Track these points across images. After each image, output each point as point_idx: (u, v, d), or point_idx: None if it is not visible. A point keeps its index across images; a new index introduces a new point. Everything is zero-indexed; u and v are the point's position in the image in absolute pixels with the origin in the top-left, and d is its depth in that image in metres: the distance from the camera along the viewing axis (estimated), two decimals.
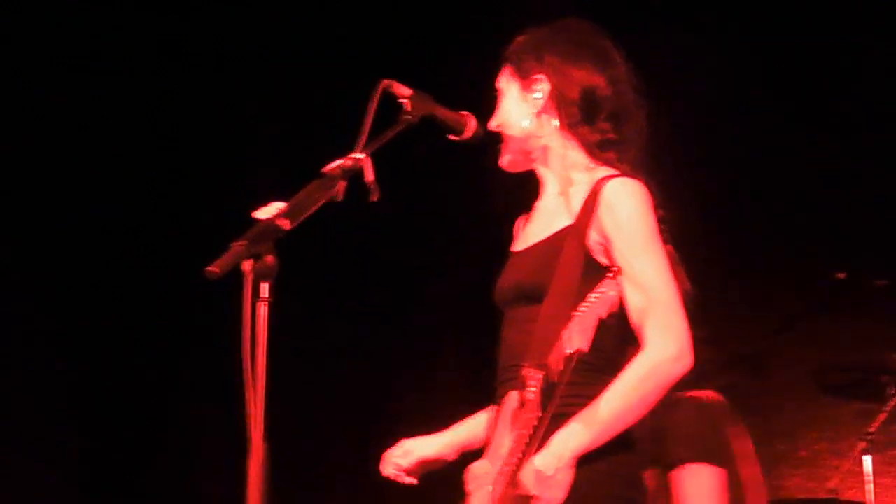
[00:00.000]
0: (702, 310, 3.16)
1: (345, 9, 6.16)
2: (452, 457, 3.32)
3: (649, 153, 3.14)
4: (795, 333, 5.10)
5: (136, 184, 6.23)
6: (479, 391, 3.22)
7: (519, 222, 3.37)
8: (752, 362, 5.08)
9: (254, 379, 2.54)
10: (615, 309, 2.47)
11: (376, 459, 6.26)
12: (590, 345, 2.51)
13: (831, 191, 5.54)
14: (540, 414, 2.64)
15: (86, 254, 6.16)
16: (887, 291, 5.09)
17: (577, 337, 2.53)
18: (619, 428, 2.84)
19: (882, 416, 4.87)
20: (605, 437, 2.83)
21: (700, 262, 3.17)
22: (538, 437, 2.69)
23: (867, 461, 4.85)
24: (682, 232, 3.10)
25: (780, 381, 5.33)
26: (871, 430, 4.87)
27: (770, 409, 5.29)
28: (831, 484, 5.02)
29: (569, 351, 2.56)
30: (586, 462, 2.82)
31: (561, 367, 2.58)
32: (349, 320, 6.20)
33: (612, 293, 2.47)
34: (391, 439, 5.81)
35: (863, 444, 4.88)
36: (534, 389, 2.75)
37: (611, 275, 2.50)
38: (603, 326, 2.50)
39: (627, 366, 2.85)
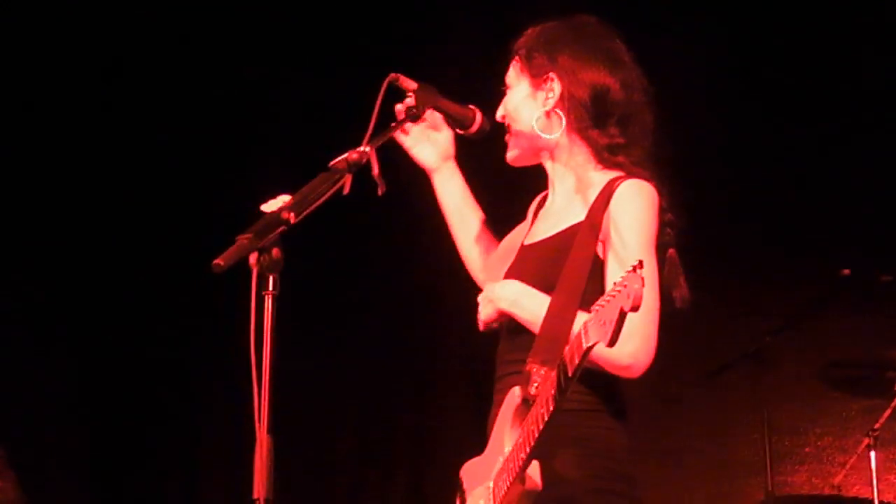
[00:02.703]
0: (706, 308, 3.16)
1: (347, 6, 6.15)
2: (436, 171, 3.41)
3: (655, 154, 3.11)
4: (800, 330, 5.09)
5: (143, 177, 6.21)
6: (478, 385, 3.21)
7: (533, 203, 3.36)
8: (757, 359, 5.07)
9: (259, 371, 2.54)
10: (638, 303, 2.40)
11: (378, 449, 6.27)
12: (611, 338, 2.44)
13: (836, 186, 5.53)
14: (552, 408, 2.62)
15: (92, 246, 6.15)
16: (893, 287, 5.08)
17: (596, 330, 2.49)
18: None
19: (887, 413, 4.87)
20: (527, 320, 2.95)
21: (704, 260, 3.15)
22: (549, 433, 2.67)
23: (872, 457, 4.85)
24: (687, 229, 3.09)
25: (785, 378, 5.31)
26: (877, 426, 4.86)
27: (775, 405, 5.26)
28: (836, 480, 5.01)
29: (587, 345, 2.51)
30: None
31: (577, 362, 2.55)
32: (353, 312, 6.20)
33: (636, 286, 2.39)
34: (391, 430, 5.80)
35: (868, 441, 4.88)
36: (537, 385, 2.74)
37: (633, 267, 2.43)
38: (623, 320, 2.44)
39: None
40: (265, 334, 2.56)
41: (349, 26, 6.12)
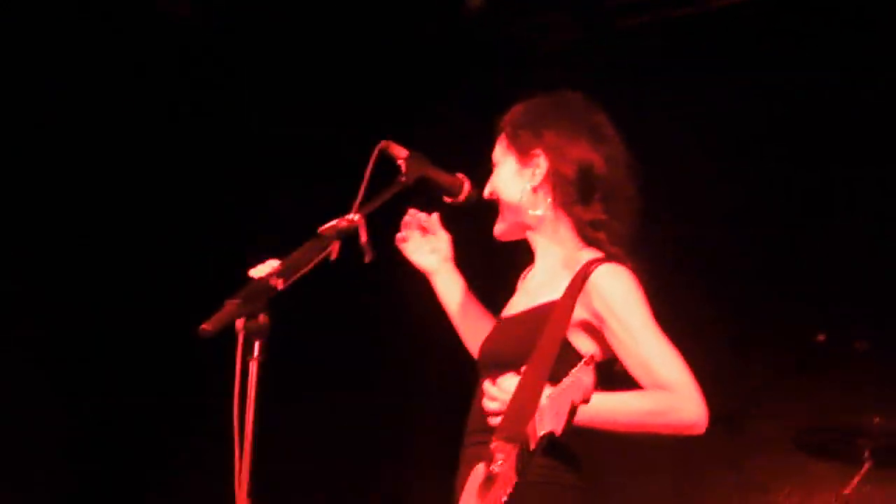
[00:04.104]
0: None
1: (343, 69, 6.18)
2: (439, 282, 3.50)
3: (637, 229, 3.18)
4: (774, 393, 5.14)
5: (132, 241, 6.07)
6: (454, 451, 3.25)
7: (521, 277, 3.41)
8: (730, 421, 5.12)
9: (241, 436, 2.57)
10: (588, 396, 2.50)
11: None
12: (563, 428, 2.53)
13: (813, 251, 5.56)
14: (511, 490, 2.69)
15: (80, 308, 5.96)
16: (868, 354, 5.12)
17: (549, 419, 2.57)
18: (613, 427, 2.94)
19: (857, 479, 4.88)
20: (598, 425, 2.92)
21: (678, 324, 3.20)
22: None
23: None
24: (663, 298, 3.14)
25: (756, 439, 5.36)
26: (847, 491, 4.89)
27: (745, 464, 5.31)
28: None
29: (541, 433, 2.59)
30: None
31: (533, 447, 2.62)
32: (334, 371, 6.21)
33: (587, 380, 2.49)
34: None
35: None
36: (500, 463, 2.77)
37: (584, 361, 2.53)
38: (574, 411, 2.54)
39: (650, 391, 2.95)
40: (248, 400, 2.59)
41: (342, 91, 6.15)
